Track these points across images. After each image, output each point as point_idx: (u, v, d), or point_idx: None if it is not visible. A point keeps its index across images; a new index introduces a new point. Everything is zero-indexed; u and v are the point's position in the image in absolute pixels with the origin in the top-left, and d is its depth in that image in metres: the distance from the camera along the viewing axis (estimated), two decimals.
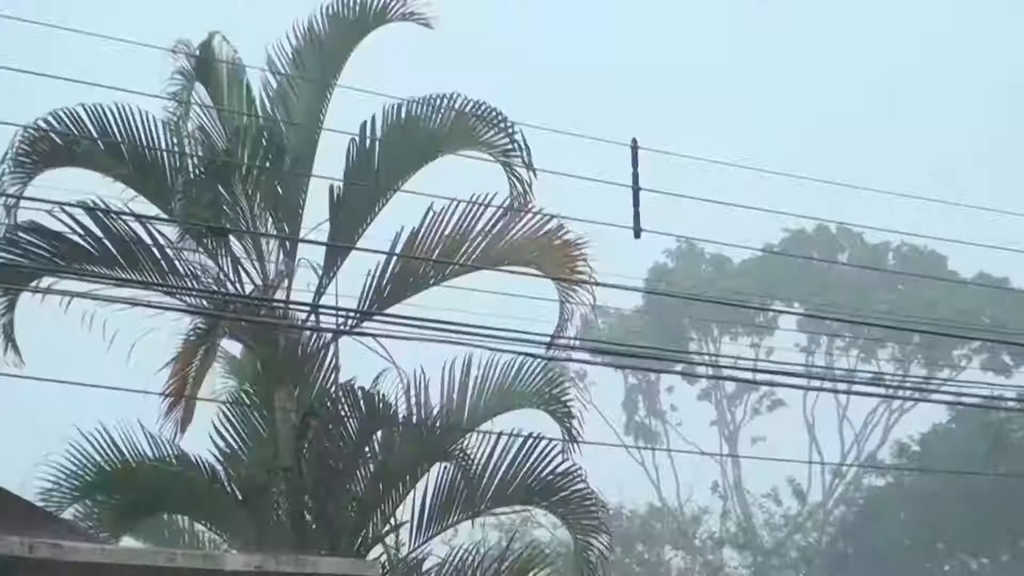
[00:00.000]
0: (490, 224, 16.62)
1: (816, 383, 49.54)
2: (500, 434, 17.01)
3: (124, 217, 15.79)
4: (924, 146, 63.00)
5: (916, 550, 47.88)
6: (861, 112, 66.44)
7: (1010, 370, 51.27)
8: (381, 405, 16.66)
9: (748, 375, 51.08)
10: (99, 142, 16.34)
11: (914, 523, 48.90)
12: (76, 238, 15.84)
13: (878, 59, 67.70)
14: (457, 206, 16.53)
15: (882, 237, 56.04)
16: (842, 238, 58.79)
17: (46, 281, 15.82)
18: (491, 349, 14.71)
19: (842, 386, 50.10)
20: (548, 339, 16.29)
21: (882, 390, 46.93)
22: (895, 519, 50.00)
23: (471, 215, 16.63)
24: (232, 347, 17.41)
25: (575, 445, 17.03)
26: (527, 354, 15.96)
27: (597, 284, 16.46)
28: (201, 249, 16.45)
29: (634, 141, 14.68)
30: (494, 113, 16.70)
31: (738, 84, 67.13)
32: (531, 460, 16.98)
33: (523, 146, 16.51)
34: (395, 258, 16.68)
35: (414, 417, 16.86)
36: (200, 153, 16.69)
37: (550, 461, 16.99)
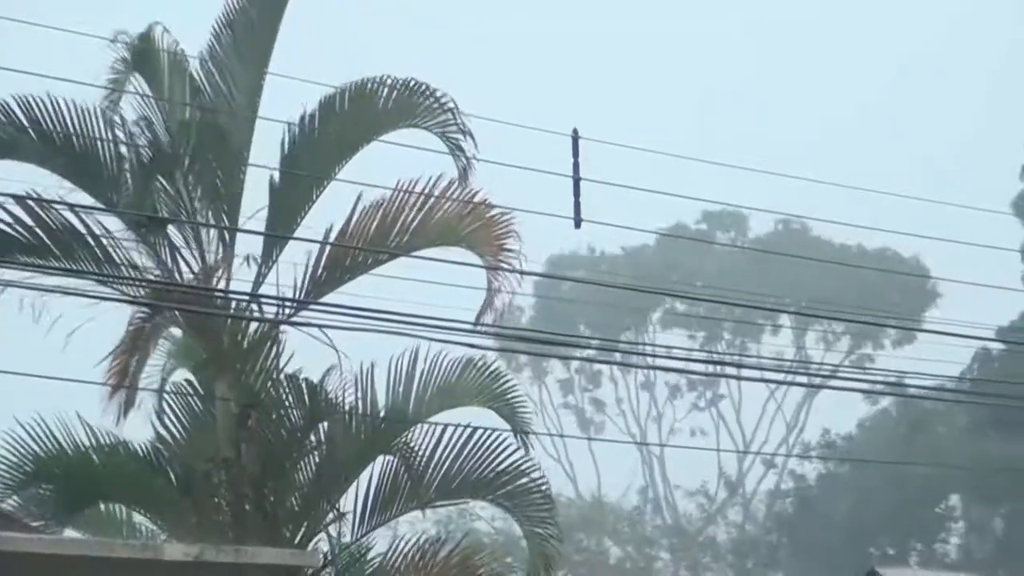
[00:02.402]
0: (420, 203, 16.58)
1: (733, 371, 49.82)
2: (447, 426, 16.99)
3: (59, 207, 15.68)
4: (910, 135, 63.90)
5: (847, 538, 48.21)
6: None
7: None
8: (324, 397, 16.59)
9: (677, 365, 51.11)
10: (32, 133, 16.20)
11: (845, 512, 49.29)
12: (8, 229, 15.70)
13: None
14: (388, 192, 16.51)
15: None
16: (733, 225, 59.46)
17: None
18: (426, 339, 14.66)
19: (768, 375, 50.45)
20: (494, 330, 16.29)
21: (804, 379, 47.31)
22: (825, 508, 50.39)
23: (401, 198, 16.59)
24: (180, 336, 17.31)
25: (522, 441, 17.05)
26: (452, 342, 15.90)
27: (524, 273, 16.49)
28: (140, 239, 16.35)
29: (575, 131, 14.71)
30: (424, 86, 16.69)
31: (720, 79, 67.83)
32: (478, 453, 16.97)
33: (457, 115, 16.48)
34: (328, 246, 16.63)
35: (359, 409, 16.80)
36: (140, 143, 16.59)
37: (498, 454, 16.98)
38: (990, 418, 43.63)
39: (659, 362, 55.13)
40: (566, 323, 53.78)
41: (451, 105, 16.50)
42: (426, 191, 16.57)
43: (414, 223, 16.56)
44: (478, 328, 16.02)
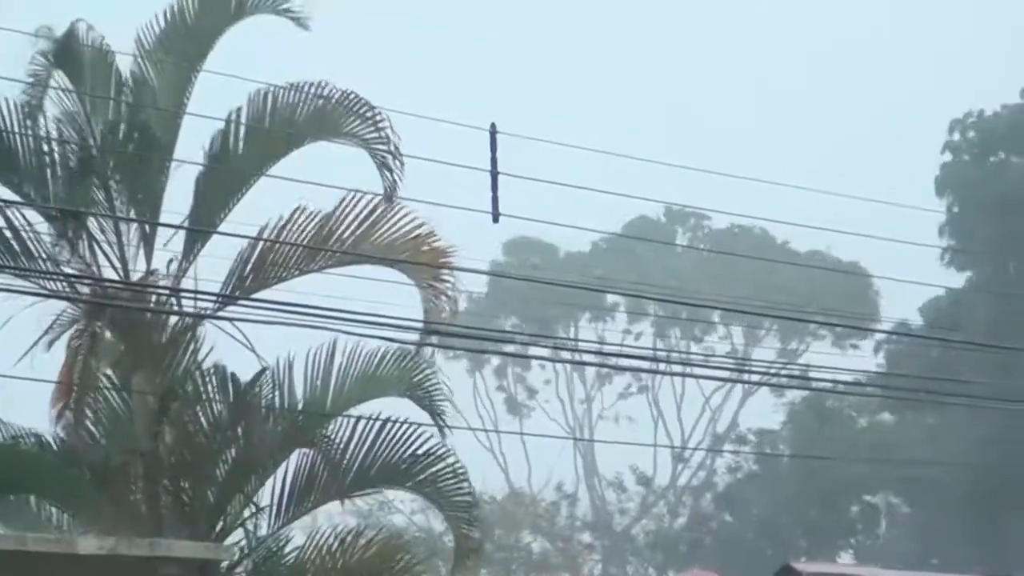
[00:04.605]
0: (359, 220, 16.65)
1: (664, 366, 49.96)
2: (361, 418, 17.06)
3: None
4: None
5: (767, 534, 48.54)
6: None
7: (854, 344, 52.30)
8: (242, 389, 16.61)
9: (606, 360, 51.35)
10: None
11: (764, 506, 49.62)
12: None
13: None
14: (317, 206, 16.56)
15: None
16: (676, 222, 59.78)
17: None
18: (349, 333, 14.74)
19: (697, 371, 50.76)
20: (407, 324, 16.33)
21: (726, 373, 47.65)
22: (745, 502, 50.72)
23: (340, 211, 16.65)
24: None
25: (441, 431, 17.16)
26: (384, 338, 16.00)
27: (462, 268, 16.59)
28: (59, 233, 16.34)
29: (493, 126, 14.81)
30: (362, 102, 16.76)
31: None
32: (394, 442, 17.05)
33: (389, 136, 16.57)
34: (259, 247, 16.66)
35: (278, 403, 16.84)
36: (62, 138, 16.58)
37: (414, 441, 17.07)
38: (910, 409, 43.99)
39: (604, 357, 55.01)
40: (513, 315, 54.03)
41: (385, 125, 16.59)
42: (366, 210, 16.63)
43: (351, 240, 16.62)
44: (404, 325, 16.10)
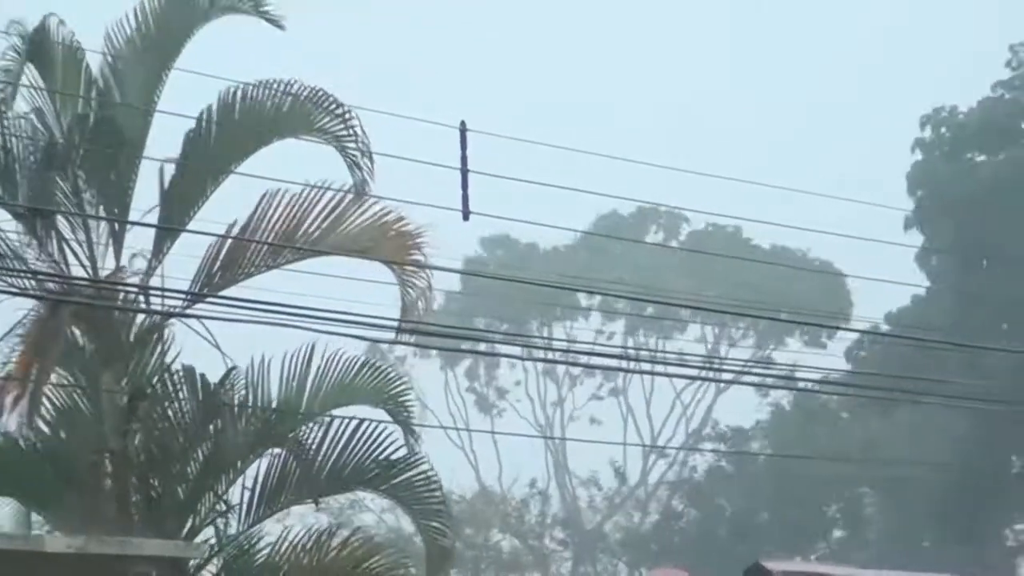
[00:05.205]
0: (327, 211, 16.60)
1: (640, 365, 49.97)
2: (336, 418, 17.04)
3: None
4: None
5: (741, 532, 48.60)
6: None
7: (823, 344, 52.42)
8: (212, 388, 16.55)
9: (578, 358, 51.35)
10: None
11: (739, 504, 49.65)
12: None
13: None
14: (284, 192, 16.48)
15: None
16: (650, 219, 59.94)
17: None
18: (319, 331, 14.68)
19: (665, 368, 50.68)
20: (379, 323, 16.29)
21: (695, 371, 47.67)
22: (720, 500, 50.75)
23: (308, 201, 16.60)
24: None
25: (416, 437, 17.15)
26: (357, 336, 15.92)
27: (432, 266, 16.56)
28: (27, 231, 16.28)
29: (463, 124, 14.79)
30: (331, 99, 16.72)
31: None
32: (368, 444, 17.03)
33: (358, 133, 16.54)
34: (227, 243, 16.60)
35: (251, 403, 16.79)
36: (31, 134, 16.53)
37: (388, 445, 17.07)
38: (876, 407, 44.04)
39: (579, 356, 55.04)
40: (484, 313, 53.97)
41: (355, 122, 16.57)
42: (335, 199, 16.59)
43: (319, 231, 16.59)
44: (377, 323, 16.05)
